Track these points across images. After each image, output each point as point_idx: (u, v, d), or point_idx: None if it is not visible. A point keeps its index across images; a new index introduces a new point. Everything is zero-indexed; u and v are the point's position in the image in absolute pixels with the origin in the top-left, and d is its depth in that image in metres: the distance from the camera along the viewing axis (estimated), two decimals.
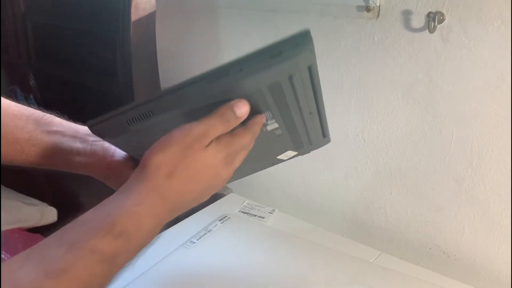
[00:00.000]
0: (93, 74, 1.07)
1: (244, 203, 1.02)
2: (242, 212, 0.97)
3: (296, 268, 0.77)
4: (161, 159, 0.41)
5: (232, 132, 0.43)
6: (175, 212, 0.44)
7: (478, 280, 0.77)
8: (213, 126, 0.42)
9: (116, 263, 0.39)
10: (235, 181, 1.12)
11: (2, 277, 0.34)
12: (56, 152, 0.51)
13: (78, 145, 0.52)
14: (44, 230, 1.24)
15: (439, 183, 0.77)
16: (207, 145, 0.42)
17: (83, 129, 0.53)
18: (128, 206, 0.40)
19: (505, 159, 0.69)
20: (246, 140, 0.44)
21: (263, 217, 0.94)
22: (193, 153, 0.42)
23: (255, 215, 0.95)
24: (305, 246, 0.84)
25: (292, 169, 0.97)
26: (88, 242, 0.37)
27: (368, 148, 0.84)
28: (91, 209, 0.41)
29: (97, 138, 0.51)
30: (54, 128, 0.51)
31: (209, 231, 0.87)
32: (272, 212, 0.96)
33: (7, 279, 0.34)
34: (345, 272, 0.76)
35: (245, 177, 1.09)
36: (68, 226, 0.39)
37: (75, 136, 0.52)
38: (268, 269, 0.75)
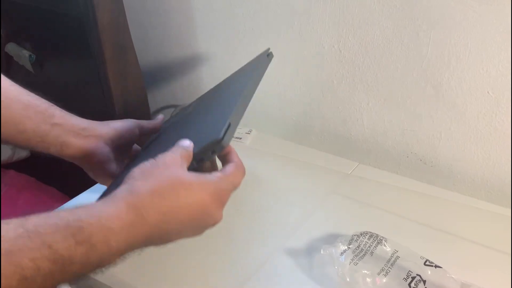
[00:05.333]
0: None
1: None
2: None
3: (275, 183, 0.77)
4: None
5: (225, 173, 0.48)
6: (154, 240, 0.42)
7: (454, 184, 0.78)
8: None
9: (69, 268, 0.36)
10: None
11: None
12: (53, 144, 0.57)
13: (72, 139, 0.57)
14: (17, 166, 1.20)
15: (416, 90, 0.76)
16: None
17: (79, 123, 0.58)
18: (104, 217, 0.38)
19: (482, 60, 0.67)
20: (239, 180, 0.49)
21: (240, 138, 0.93)
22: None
23: (233, 137, 0.93)
24: (283, 163, 0.83)
25: (267, 88, 0.94)
26: (47, 235, 0.35)
27: (344, 59, 0.81)
28: (69, 207, 0.38)
29: (90, 133, 0.58)
30: (56, 121, 0.56)
31: None
32: (249, 132, 0.94)
33: None
34: (323, 183, 0.76)
35: None
36: (40, 214, 0.37)
37: (71, 130, 0.57)
38: (248, 187, 0.74)
